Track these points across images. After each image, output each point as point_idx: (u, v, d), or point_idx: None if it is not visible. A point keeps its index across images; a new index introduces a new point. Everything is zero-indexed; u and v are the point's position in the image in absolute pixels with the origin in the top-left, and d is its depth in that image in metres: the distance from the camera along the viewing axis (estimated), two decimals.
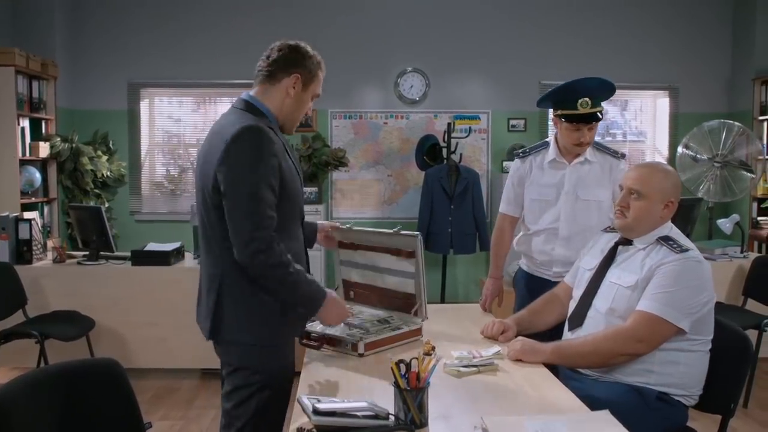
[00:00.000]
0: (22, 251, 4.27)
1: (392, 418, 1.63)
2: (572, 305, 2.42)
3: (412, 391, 1.62)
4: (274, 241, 1.88)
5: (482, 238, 5.69)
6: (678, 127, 6.41)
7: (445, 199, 5.68)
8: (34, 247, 4.33)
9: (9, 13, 5.80)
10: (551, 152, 2.90)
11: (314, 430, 1.58)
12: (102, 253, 4.40)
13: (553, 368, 2.23)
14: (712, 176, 5.62)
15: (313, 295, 2.01)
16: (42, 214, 5.59)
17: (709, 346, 2.22)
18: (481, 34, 6.36)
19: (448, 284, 6.03)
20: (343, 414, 1.59)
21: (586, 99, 2.70)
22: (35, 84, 5.54)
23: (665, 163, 2.49)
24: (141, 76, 6.24)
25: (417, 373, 1.64)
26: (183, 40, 6.22)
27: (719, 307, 4.08)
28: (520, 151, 3.02)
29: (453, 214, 5.67)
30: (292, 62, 2.04)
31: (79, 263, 4.36)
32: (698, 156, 5.65)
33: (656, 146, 6.64)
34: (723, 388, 2.22)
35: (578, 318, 2.34)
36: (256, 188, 1.86)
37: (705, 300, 2.14)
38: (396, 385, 1.63)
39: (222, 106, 6.50)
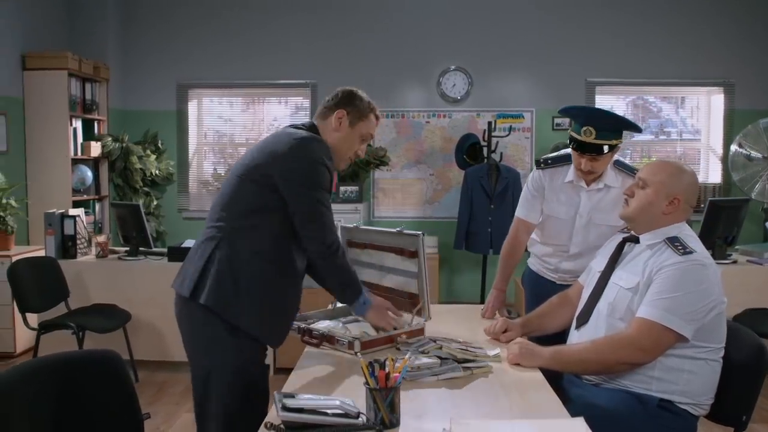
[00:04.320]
0: (67, 246, 4.47)
1: (363, 417, 1.63)
2: (580, 305, 2.36)
3: (381, 391, 1.61)
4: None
5: None
6: (733, 125, 6.13)
7: (485, 199, 5.61)
8: (79, 243, 4.52)
9: (65, 18, 6.07)
10: (570, 172, 2.79)
11: (282, 425, 1.59)
12: (141, 249, 4.56)
13: (557, 372, 2.18)
14: (767, 176, 5.35)
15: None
16: (93, 211, 5.84)
17: (721, 354, 2.11)
18: (525, 31, 6.26)
19: (488, 285, 5.93)
20: (311, 411, 1.60)
21: (590, 128, 2.55)
22: (88, 86, 5.79)
23: (682, 164, 2.38)
24: (189, 77, 6.43)
25: (387, 373, 1.63)
26: (229, 42, 6.37)
27: (762, 314, 3.95)
28: (542, 161, 2.93)
29: (493, 213, 5.59)
30: (342, 101, 2.25)
31: (119, 258, 4.53)
32: (752, 155, 5.40)
33: (710, 144, 6.37)
34: (735, 399, 2.11)
35: (584, 317, 2.28)
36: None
37: (710, 306, 2.03)
38: (366, 384, 1.63)
39: (270, 106, 6.63)
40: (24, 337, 4.64)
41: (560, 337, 2.46)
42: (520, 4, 6.26)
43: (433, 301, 5.22)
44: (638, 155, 6.53)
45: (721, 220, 4.17)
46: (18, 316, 3.98)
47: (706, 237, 4.15)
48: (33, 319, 4.08)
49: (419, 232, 2.41)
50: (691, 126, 6.52)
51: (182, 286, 2.13)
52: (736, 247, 4.52)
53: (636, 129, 2.74)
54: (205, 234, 2.16)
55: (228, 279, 2.06)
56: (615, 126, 2.61)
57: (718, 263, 3.96)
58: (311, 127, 2.22)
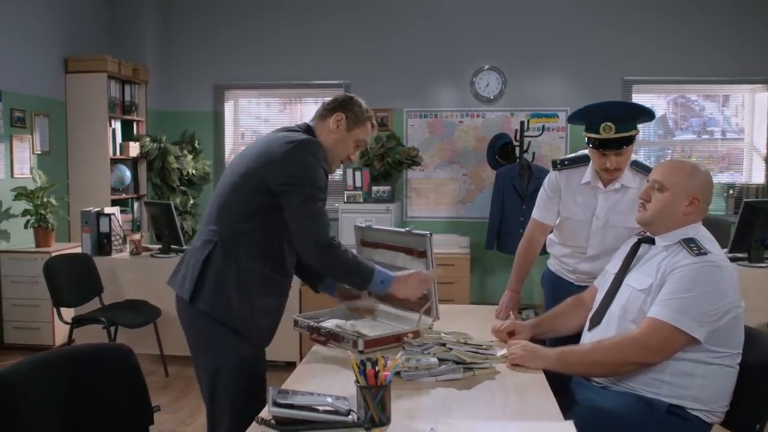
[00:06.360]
0: (103, 244, 4.61)
1: (354, 415, 1.64)
2: (594, 307, 2.33)
3: (371, 389, 1.62)
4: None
5: None
6: None
7: (517, 199, 5.56)
8: (114, 240, 4.65)
9: (106, 23, 6.26)
10: (587, 174, 2.75)
11: (272, 420, 1.62)
12: (173, 246, 4.66)
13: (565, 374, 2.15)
14: None
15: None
16: (132, 210, 6.00)
17: (737, 360, 2.05)
18: (559, 29, 6.17)
19: None
20: (302, 407, 1.62)
21: (609, 124, 2.51)
22: (127, 88, 5.96)
23: (696, 162, 2.32)
24: (225, 78, 6.55)
25: (376, 372, 1.63)
26: (264, 44, 6.47)
27: None
28: (558, 162, 2.89)
29: (525, 214, 5.51)
30: (340, 105, 2.29)
31: (152, 256, 4.64)
32: None
33: (754, 144, 6.17)
34: (750, 406, 2.05)
35: (597, 319, 2.25)
36: None
37: (725, 308, 1.97)
38: (357, 382, 1.64)
39: (305, 106, 6.70)
40: (62, 332, 4.79)
41: (575, 339, 2.43)
42: (555, 2, 6.17)
43: (464, 301, 5.27)
44: (678, 155, 6.37)
45: (758, 223, 4.04)
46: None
47: (741, 239, 4.03)
48: (70, 314, 4.22)
49: (427, 232, 2.42)
50: (735, 125, 6.33)
51: (182, 288, 2.19)
52: None
53: (650, 115, 2.66)
54: (201, 236, 2.20)
55: (226, 286, 2.11)
56: (631, 115, 2.57)
57: (754, 266, 3.94)
58: (307, 129, 2.26)
